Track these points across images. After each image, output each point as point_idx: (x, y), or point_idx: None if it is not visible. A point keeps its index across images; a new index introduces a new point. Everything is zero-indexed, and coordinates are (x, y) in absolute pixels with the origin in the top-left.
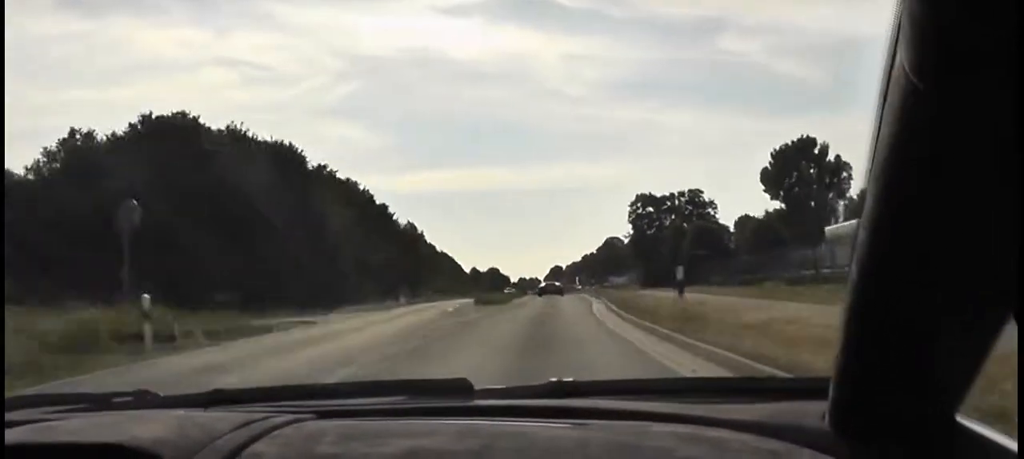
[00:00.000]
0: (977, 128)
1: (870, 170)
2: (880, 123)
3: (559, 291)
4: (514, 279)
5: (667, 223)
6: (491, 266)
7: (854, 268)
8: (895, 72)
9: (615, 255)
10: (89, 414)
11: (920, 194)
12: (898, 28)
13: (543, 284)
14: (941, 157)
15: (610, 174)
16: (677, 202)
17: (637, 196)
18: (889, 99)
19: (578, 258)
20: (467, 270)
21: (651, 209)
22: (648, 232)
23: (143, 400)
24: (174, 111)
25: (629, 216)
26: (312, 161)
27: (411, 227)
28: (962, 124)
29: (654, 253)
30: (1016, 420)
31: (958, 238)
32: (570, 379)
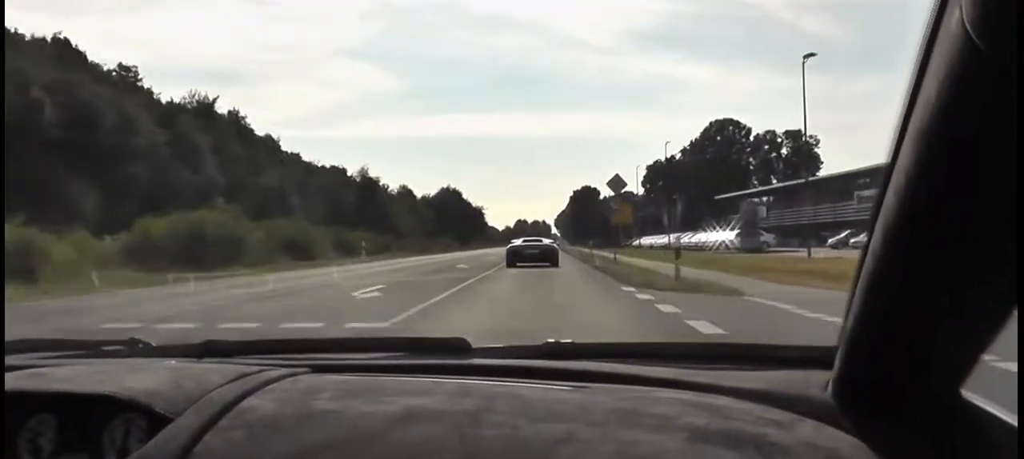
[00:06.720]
0: None
1: (902, 133)
2: (921, 81)
3: (548, 257)
4: (509, 225)
5: None
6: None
7: (876, 235)
8: (948, 28)
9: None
10: (79, 362)
11: (962, 163)
12: None
13: (518, 242)
14: (993, 126)
15: (631, 126)
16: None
17: None
18: (938, 56)
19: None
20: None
21: None
22: None
23: (134, 348)
24: None
25: None
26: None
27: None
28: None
29: None
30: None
31: (991, 213)
32: (568, 340)
